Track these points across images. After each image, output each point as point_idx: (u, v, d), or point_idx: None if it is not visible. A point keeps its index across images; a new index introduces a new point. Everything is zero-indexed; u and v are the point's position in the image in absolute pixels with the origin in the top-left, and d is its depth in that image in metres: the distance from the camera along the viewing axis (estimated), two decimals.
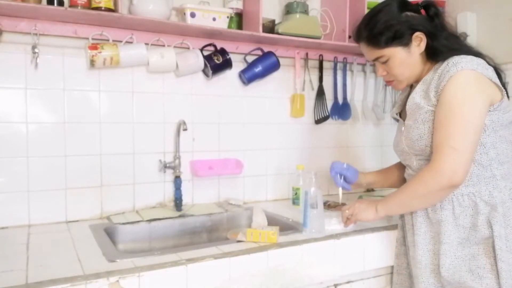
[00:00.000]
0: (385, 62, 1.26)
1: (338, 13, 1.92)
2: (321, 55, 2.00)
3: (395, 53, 1.23)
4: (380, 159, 2.19)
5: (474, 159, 1.15)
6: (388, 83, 1.33)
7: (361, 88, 2.15)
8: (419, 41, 1.22)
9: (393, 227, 1.42)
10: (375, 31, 1.23)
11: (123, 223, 1.49)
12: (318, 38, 1.86)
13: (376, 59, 1.27)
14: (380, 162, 2.15)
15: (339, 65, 2.07)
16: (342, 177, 1.49)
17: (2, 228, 1.42)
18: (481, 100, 1.12)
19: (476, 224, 1.14)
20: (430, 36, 1.22)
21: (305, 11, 1.85)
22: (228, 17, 1.68)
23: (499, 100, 1.15)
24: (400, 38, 1.22)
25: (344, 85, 2.08)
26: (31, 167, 1.47)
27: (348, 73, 2.10)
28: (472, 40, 1.98)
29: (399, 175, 1.48)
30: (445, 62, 1.17)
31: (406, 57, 1.23)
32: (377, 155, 2.21)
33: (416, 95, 1.23)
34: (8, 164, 1.44)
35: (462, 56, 1.15)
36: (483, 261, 1.13)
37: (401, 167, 1.48)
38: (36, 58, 1.44)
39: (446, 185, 1.12)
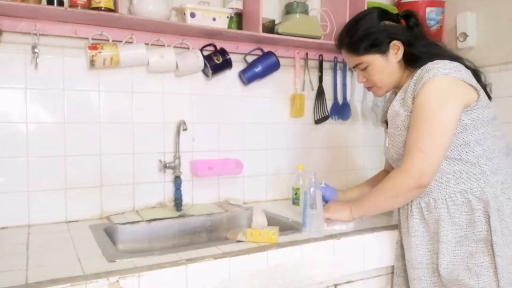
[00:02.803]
0: (364, 69, 1.31)
1: (338, 13, 1.92)
2: (321, 55, 2.00)
3: (374, 60, 1.28)
4: (380, 159, 2.18)
5: (461, 158, 1.18)
6: (368, 89, 1.38)
7: (361, 88, 2.15)
8: (396, 50, 1.27)
9: (393, 227, 1.42)
10: (354, 39, 1.29)
11: (123, 223, 1.49)
12: (318, 38, 1.86)
13: (356, 65, 1.32)
14: (380, 162, 2.14)
15: (339, 65, 2.07)
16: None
17: (2, 228, 1.42)
18: (451, 104, 1.14)
19: (473, 220, 1.16)
20: (407, 44, 1.26)
21: (305, 11, 1.85)
22: (228, 17, 1.68)
23: (475, 100, 1.17)
24: (378, 46, 1.26)
25: (344, 85, 2.08)
26: (31, 167, 1.47)
27: (348, 73, 2.10)
28: (472, 40, 1.98)
29: None
30: (420, 69, 1.20)
31: (384, 65, 1.28)
32: (377, 155, 2.20)
33: (396, 103, 1.27)
34: (8, 164, 1.44)
35: (435, 61, 1.19)
36: (481, 258, 1.14)
37: (383, 177, 1.50)
38: (36, 58, 1.44)
39: (413, 186, 1.17)
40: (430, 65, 1.18)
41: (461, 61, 1.24)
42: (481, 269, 1.13)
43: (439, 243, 1.19)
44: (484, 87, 1.23)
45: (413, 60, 1.26)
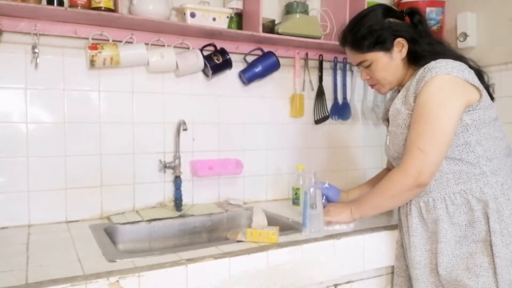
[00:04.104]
0: (368, 66, 1.30)
1: (338, 13, 1.92)
2: (321, 55, 2.00)
3: (378, 57, 1.27)
4: (380, 159, 2.19)
5: (461, 158, 1.17)
6: (371, 86, 1.36)
7: (361, 88, 2.15)
8: (400, 47, 1.26)
9: (393, 227, 1.42)
10: (358, 36, 1.27)
11: (123, 223, 1.49)
12: (318, 38, 1.86)
13: (360, 63, 1.31)
14: (380, 162, 2.15)
15: (339, 65, 2.07)
16: (324, 197, 1.47)
17: (2, 228, 1.42)
18: (453, 104, 1.13)
19: (473, 220, 1.16)
20: (412, 42, 1.25)
21: (305, 11, 1.85)
22: (228, 17, 1.68)
23: (477, 100, 1.16)
24: (382, 43, 1.25)
25: (344, 85, 2.09)
26: (31, 167, 1.47)
27: (348, 73, 2.10)
28: (472, 40, 1.98)
29: None
30: (423, 68, 1.20)
31: (388, 62, 1.27)
32: (377, 155, 2.21)
33: (397, 101, 1.26)
34: (8, 164, 1.44)
35: (438, 60, 1.18)
36: (480, 259, 1.14)
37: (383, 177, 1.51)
38: (36, 58, 1.44)
39: (412, 185, 1.17)
40: (433, 64, 1.17)
41: (465, 60, 1.23)
42: (481, 270, 1.13)
43: (438, 243, 1.19)
44: (487, 87, 1.22)
45: (416, 58, 1.25)
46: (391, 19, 1.26)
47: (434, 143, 1.13)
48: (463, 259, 1.16)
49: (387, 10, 1.29)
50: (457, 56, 1.24)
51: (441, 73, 1.14)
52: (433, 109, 1.13)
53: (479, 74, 1.23)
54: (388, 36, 1.25)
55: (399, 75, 1.29)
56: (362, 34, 1.26)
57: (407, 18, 1.29)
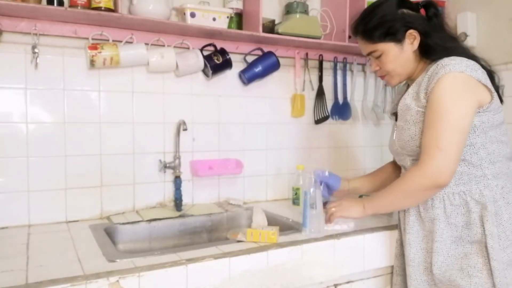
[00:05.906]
0: (378, 57, 1.28)
1: (338, 13, 1.92)
2: (321, 55, 2.00)
3: (388, 48, 1.25)
4: (380, 159, 2.19)
5: (464, 159, 1.16)
6: (381, 78, 1.34)
7: (361, 88, 2.15)
8: (412, 39, 1.24)
9: (393, 227, 1.42)
10: (370, 26, 1.26)
11: (123, 223, 1.49)
12: (318, 38, 1.86)
13: (370, 53, 1.29)
14: (380, 162, 2.13)
15: (339, 65, 2.07)
16: (323, 185, 1.46)
17: (2, 228, 1.42)
18: (467, 102, 1.12)
19: (469, 222, 1.15)
20: (424, 34, 1.23)
21: (305, 11, 1.85)
22: (228, 17, 1.68)
23: (488, 102, 1.15)
24: (394, 34, 1.23)
25: (344, 85, 2.08)
26: (31, 167, 1.47)
27: (348, 73, 2.10)
28: (472, 40, 1.98)
29: (387, 178, 1.49)
30: (435, 64, 1.18)
31: (399, 54, 1.25)
32: (377, 155, 2.21)
33: (408, 97, 1.25)
34: (8, 164, 1.44)
35: (452, 57, 1.16)
36: (475, 260, 1.14)
37: (389, 169, 1.51)
38: (36, 58, 1.44)
39: (431, 185, 1.15)
40: (446, 60, 1.15)
41: (477, 60, 1.21)
42: (474, 271, 1.13)
43: (433, 242, 1.19)
44: (497, 89, 1.21)
45: (428, 52, 1.23)
46: (405, 10, 1.24)
47: (453, 141, 1.11)
48: (457, 259, 1.16)
49: (401, 1, 1.26)
50: (469, 55, 1.21)
51: (455, 70, 1.12)
52: (448, 106, 1.11)
53: (490, 75, 1.21)
54: (400, 27, 1.22)
55: (410, 68, 1.27)
56: (373, 24, 1.24)
57: (422, 10, 1.26)
